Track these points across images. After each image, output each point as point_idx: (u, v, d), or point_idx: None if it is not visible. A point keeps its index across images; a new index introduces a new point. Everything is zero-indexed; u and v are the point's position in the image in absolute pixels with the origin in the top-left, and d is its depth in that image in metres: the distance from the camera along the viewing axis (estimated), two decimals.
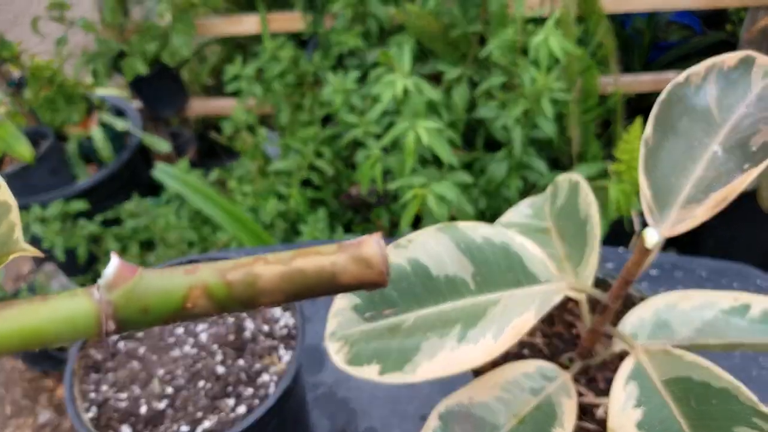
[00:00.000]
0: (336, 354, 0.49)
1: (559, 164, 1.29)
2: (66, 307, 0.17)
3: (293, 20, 1.43)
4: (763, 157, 0.45)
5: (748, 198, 1.03)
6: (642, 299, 0.65)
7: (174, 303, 0.17)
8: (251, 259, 0.18)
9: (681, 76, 0.50)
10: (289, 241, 1.41)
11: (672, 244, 1.31)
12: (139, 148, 1.59)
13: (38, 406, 1.58)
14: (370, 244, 0.18)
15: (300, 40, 1.63)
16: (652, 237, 0.45)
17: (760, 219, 1.03)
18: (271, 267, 0.18)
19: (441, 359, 0.46)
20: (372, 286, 0.18)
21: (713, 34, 1.69)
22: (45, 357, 1.51)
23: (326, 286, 0.18)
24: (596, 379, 0.61)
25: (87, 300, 0.17)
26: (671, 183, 0.48)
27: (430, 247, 0.51)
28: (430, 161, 1.22)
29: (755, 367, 0.71)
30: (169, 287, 0.17)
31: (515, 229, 0.66)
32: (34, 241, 1.40)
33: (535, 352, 0.62)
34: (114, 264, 0.18)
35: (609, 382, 0.60)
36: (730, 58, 0.50)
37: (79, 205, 1.41)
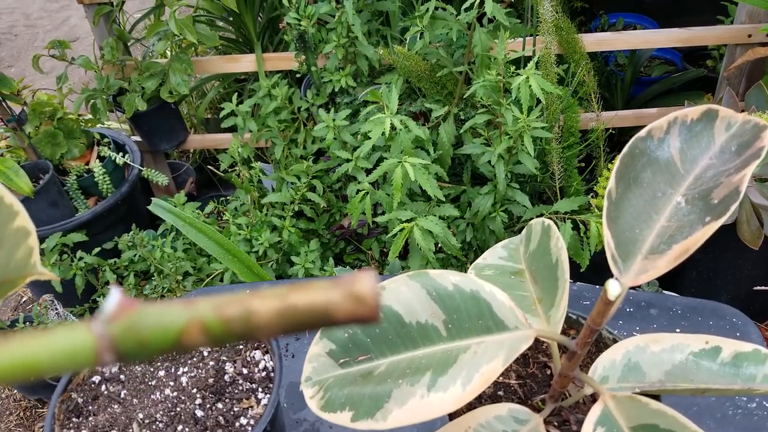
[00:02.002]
0: (310, 399, 0.50)
1: (543, 198, 1.31)
2: (65, 339, 0.17)
3: (287, 60, 1.48)
4: (724, 211, 0.47)
5: (729, 230, 1.05)
6: (615, 341, 0.66)
7: (171, 337, 0.18)
8: (247, 294, 0.19)
9: (643, 131, 0.53)
10: (282, 273, 1.43)
11: None
12: (139, 180, 1.62)
13: None
14: (364, 281, 0.18)
15: (296, 78, 1.68)
16: (614, 289, 0.47)
17: (741, 250, 1.04)
18: (266, 302, 0.18)
19: (411, 407, 0.47)
20: (364, 321, 0.19)
21: (694, 70, 1.73)
22: (41, 386, 1.52)
23: (320, 321, 0.19)
24: (569, 420, 0.62)
25: (86, 332, 0.17)
26: (635, 234, 0.50)
27: (402, 295, 0.53)
28: (419, 194, 1.24)
29: (732, 406, 0.72)
30: (167, 322, 0.18)
31: (491, 271, 0.68)
32: None
33: (510, 394, 0.64)
34: (114, 297, 0.18)
35: (581, 423, 0.61)
36: (693, 111, 0.52)
37: (78, 237, 1.44)
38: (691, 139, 0.53)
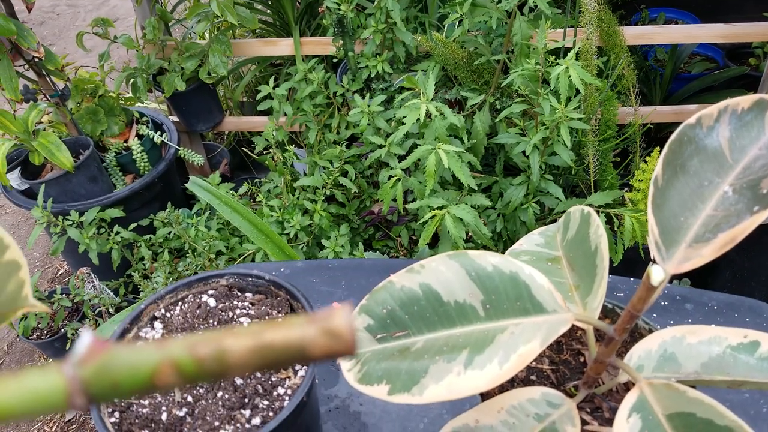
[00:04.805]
0: (348, 372, 0.51)
1: (576, 191, 1.30)
2: (36, 384, 0.17)
3: (325, 45, 1.49)
4: None
5: (766, 231, 1.03)
6: (650, 331, 0.66)
7: (143, 379, 0.18)
8: (221, 332, 0.19)
9: (692, 118, 0.52)
10: (312, 256, 1.44)
11: (686, 274, 1.30)
12: (175, 160, 1.66)
13: None
14: (340, 317, 0.18)
15: (332, 63, 1.69)
16: (658, 275, 0.46)
17: None
18: (240, 341, 0.18)
19: (447, 383, 0.48)
20: (341, 356, 0.19)
21: (736, 67, 1.69)
22: None
23: (296, 358, 0.18)
24: (601, 407, 0.62)
25: (57, 376, 0.17)
26: (679, 222, 0.50)
27: (441, 274, 0.53)
28: (451, 183, 1.25)
29: (766, 403, 0.71)
30: (139, 363, 0.18)
31: (527, 257, 0.69)
32: (71, 245, 1.47)
33: (542, 379, 0.64)
34: (85, 340, 0.18)
35: (614, 411, 0.61)
36: (744, 101, 0.52)
37: (115, 212, 1.47)
38: (741, 128, 0.53)
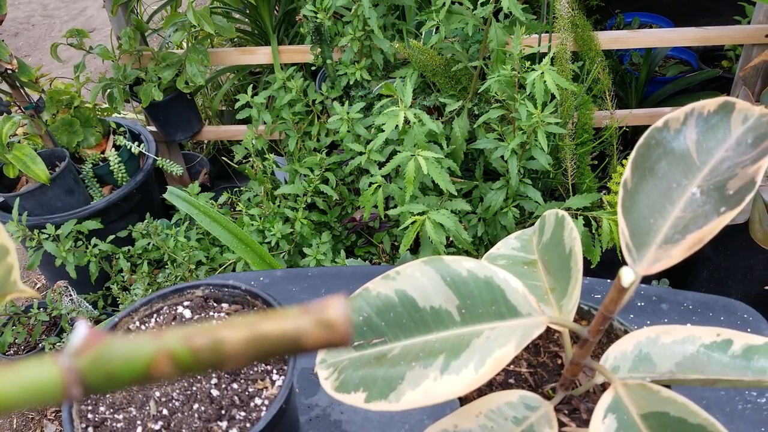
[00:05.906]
0: (325, 380, 0.51)
1: (555, 195, 1.32)
2: (32, 374, 0.17)
3: (303, 53, 1.49)
4: (739, 201, 0.48)
5: (742, 229, 1.05)
6: (626, 332, 0.66)
7: (139, 369, 0.18)
8: (216, 324, 0.19)
9: (659, 121, 0.53)
10: (294, 264, 1.44)
11: (665, 274, 1.32)
12: (153, 170, 1.64)
13: (45, 419, 1.60)
14: (334, 307, 0.18)
15: (311, 71, 1.69)
16: (628, 276, 0.47)
17: (753, 250, 1.04)
18: (235, 332, 0.18)
19: (424, 389, 0.48)
20: (335, 346, 0.19)
21: (709, 70, 1.72)
22: None
23: (291, 349, 0.18)
24: (579, 409, 0.62)
25: (53, 367, 0.17)
26: (649, 224, 0.51)
27: (416, 280, 0.54)
28: (431, 188, 1.25)
29: (741, 400, 0.72)
30: (135, 354, 0.18)
31: (504, 261, 0.69)
32: (48, 259, 1.45)
33: (520, 382, 0.64)
34: (81, 331, 0.18)
35: (591, 412, 0.61)
36: (710, 103, 0.53)
37: (92, 224, 1.45)
38: (708, 130, 0.54)
